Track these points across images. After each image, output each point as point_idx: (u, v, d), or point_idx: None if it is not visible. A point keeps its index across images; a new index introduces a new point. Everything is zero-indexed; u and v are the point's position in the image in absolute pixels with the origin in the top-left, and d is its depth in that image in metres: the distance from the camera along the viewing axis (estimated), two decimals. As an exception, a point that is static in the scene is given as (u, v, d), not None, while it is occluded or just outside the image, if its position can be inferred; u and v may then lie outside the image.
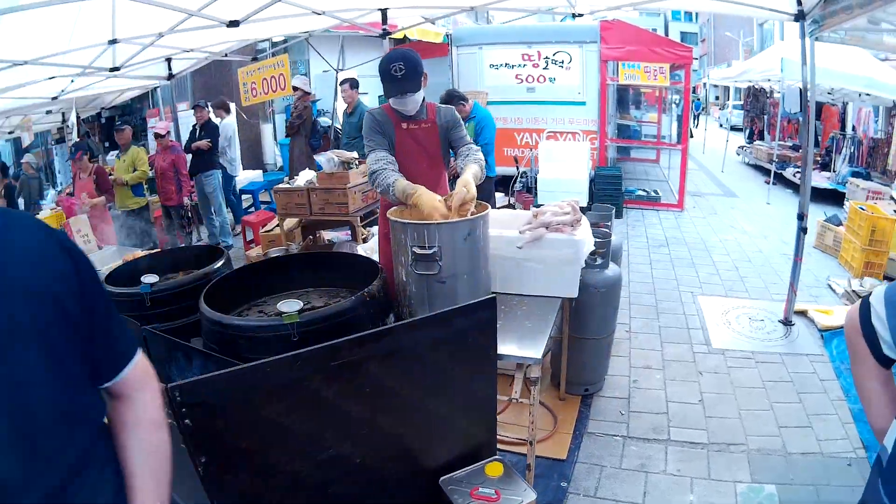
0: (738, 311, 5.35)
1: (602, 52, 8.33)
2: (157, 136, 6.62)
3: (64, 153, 9.87)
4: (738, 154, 14.73)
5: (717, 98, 20.82)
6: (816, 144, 12.59)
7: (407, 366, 1.79)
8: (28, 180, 9.03)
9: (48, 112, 8.56)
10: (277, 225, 6.13)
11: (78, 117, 8.32)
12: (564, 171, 7.77)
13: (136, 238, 6.22)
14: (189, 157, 7.14)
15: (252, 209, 9.05)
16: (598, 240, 3.33)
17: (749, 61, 11.51)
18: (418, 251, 2.31)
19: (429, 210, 2.50)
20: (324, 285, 3.01)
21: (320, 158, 5.54)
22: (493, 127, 5.76)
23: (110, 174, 6.72)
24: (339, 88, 7.24)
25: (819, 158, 11.71)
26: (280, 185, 5.79)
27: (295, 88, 7.12)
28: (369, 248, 4.69)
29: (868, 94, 8.87)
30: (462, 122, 3.15)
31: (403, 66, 2.75)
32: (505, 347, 2.33)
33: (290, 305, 2.25)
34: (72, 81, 6.31)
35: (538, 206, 2.99)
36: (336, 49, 9.37)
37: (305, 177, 5.78)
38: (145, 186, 6.78)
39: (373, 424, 1.70)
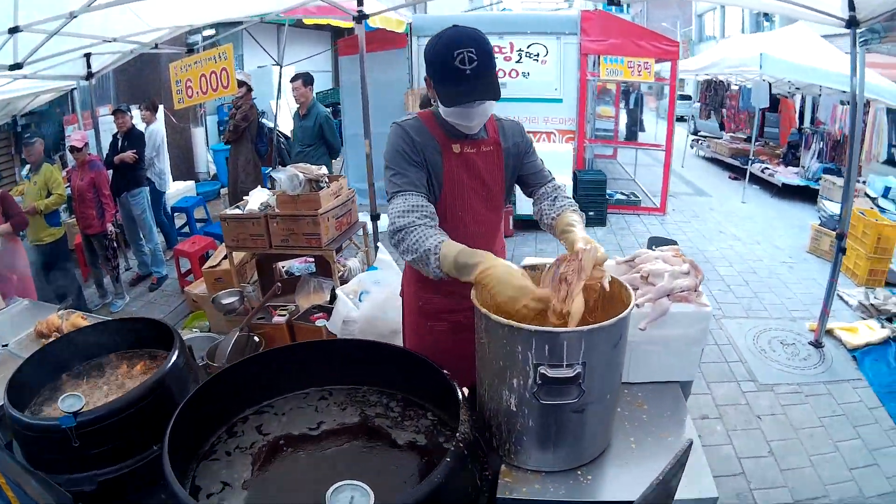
0: (766, 334, 5.10)
1: (582, 45, 7.59)
2: (72, 149, 5.32)
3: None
4: (692, 147, 14.42)
5: (650, 88, 20.69)
6: (775, 138, 12.43)
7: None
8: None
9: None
10: (225, 257, 5.01)
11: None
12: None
13: (54, 284, 5.00)
14: (110, 172, 5.87)
15: (186, 228, 7.79)
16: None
17: (712, 53, 11.09)
18: (550, 373, 1.40)
19: (510, 292, 1.52)
20: (338, 381, 2.02)
21: (280, 175, 4.46)
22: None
23: (21, 195, 5.39)
24: (290, 86, 6.16)
25: (779, 153, 11.53)
26: (228, 212, 4.64)
27: (241, 84, 5.97)
28: (351, 291, 3.74)
29: (844, 91, 8.57)
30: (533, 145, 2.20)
31: (475, 53, 1.70)
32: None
33: (346, 496, 1.23)
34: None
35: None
36: (271, 43, 8.32)
37: (258, 199, 4.68)
38: (62, 210, 5.46)
39: None
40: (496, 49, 7.54)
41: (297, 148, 6.24)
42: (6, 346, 3.01)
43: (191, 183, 9.08)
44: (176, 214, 7.78)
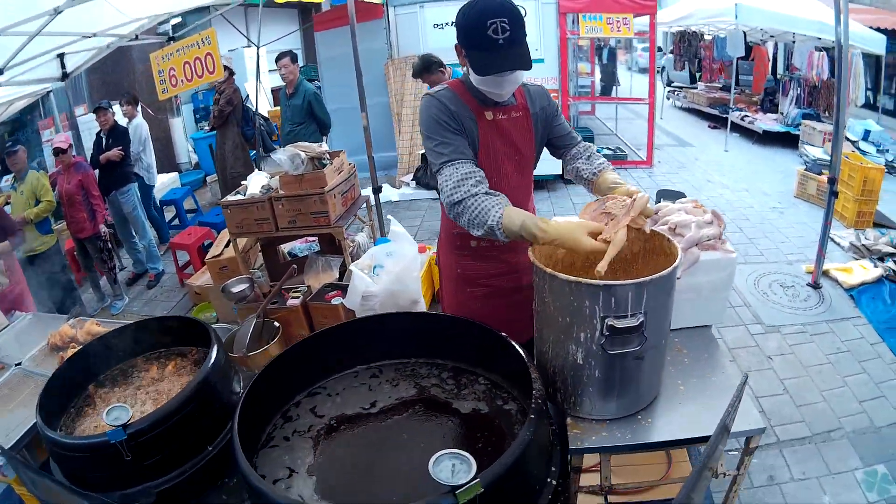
0: (766, 278, 5.21)
1: (560, 4, 7.54)
2: (57, 151, 5.15)
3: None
4: (669, 98, 14.40)
5: (619, 42, 20.53)
6: (749, 86, 12.50)
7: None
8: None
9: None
10: (227, 245, 4.95)
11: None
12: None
13: (53, 294, 4.88)
14: (97, 172, 5.72)
15: (176, 221, 7.68)
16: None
17: (684, 5, 11.01)
18: (617, 324, 1.45)
19: (581, 252, 1.61)
20: (385, 357, 2.02)
21: (280, 156, 4.38)
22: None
23: (7, 204, 5.22)
24: (276, 65, 6.01)
25: (756, 100, 11.62)
26: (230, 198, 4.56)
27: (225, 68, 5.84)
28: (365, 266, 3.73)
29: (819, 38, 8.73)
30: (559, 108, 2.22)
31: (508, 23, 1.70)
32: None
33: (447, 465, 1.17)
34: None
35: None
36: (240, 26, 8.14)
37: (258, 183, 4.60)
38: (51, 216, 5.32)
39: None
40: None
41: (288, 128, 6.11)
42: (19, 364, 2.87)
43: (174, 174, 8.90)
44: (164, 207, 7.65)
